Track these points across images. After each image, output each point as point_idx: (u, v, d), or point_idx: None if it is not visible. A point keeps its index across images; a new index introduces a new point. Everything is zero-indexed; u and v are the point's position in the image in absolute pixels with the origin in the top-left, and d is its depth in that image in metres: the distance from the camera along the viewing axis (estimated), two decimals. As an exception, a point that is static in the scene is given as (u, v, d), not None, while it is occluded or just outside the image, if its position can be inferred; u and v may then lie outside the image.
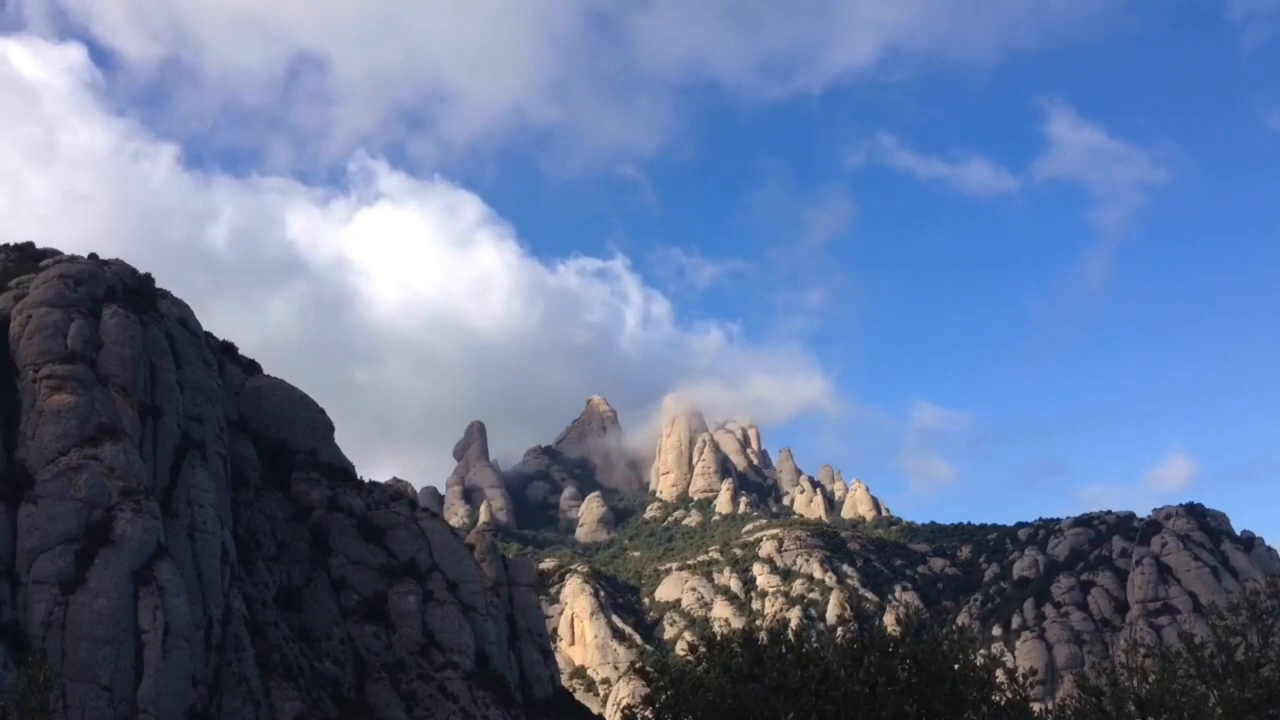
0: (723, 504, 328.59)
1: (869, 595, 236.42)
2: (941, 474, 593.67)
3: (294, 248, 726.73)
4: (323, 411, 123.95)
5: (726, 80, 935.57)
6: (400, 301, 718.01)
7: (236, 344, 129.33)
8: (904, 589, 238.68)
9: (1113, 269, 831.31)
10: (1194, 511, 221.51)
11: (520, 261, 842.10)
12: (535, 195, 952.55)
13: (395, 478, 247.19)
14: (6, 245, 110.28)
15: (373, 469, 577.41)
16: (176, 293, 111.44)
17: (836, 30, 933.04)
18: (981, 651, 17.44)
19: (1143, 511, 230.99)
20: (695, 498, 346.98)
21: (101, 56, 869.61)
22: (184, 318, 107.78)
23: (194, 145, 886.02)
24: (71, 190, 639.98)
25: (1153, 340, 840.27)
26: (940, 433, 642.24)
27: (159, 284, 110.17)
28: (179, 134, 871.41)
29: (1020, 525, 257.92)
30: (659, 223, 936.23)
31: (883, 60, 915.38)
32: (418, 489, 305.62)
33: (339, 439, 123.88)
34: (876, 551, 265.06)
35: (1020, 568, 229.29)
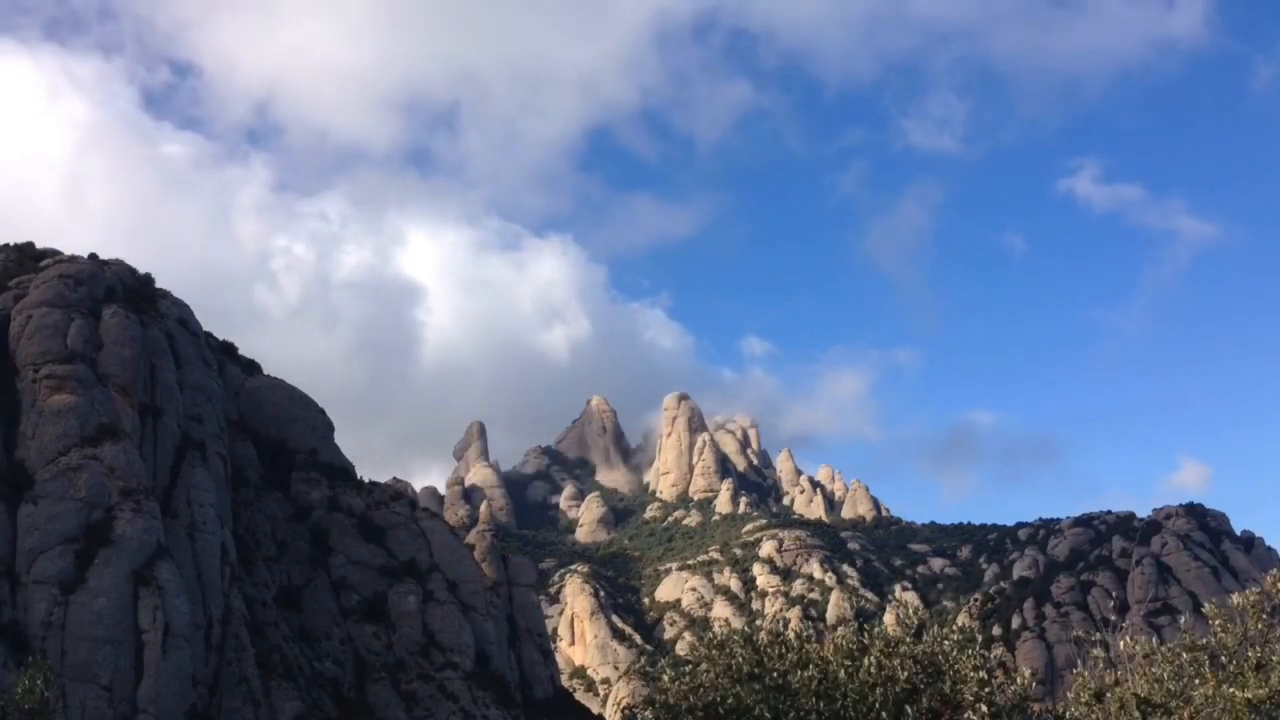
0: (723, 504, 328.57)
1: (869, 595, 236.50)
2: (972, 480, 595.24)
3: (359, 267, 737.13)
4: (323, 411, 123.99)
5: (782, 138, 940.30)
6: (451, 316, 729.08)
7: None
8: (904, 589, 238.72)
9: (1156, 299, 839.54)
10: (1194, 512, 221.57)
11: (572, 277, 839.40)
12: (588, 235, 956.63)
13: (395, 478, 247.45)
14: (6, 245, 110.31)
15: (394, 472, 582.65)
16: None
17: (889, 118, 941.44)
18: (981, 651, 17.44)
19: (1143, 511, 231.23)
20: (695, 498, 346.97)
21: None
22: (184, 318, 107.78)
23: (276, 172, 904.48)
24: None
25: (1174, 348, 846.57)
26: (979, 441, 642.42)
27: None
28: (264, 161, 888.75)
29: (1020, 525, 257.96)
30: (709, 273, 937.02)
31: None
32: (417, 489, 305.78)
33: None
34: (876, 551, 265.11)
35: (1020, 568, 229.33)
